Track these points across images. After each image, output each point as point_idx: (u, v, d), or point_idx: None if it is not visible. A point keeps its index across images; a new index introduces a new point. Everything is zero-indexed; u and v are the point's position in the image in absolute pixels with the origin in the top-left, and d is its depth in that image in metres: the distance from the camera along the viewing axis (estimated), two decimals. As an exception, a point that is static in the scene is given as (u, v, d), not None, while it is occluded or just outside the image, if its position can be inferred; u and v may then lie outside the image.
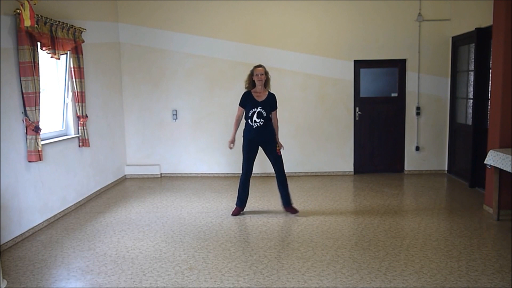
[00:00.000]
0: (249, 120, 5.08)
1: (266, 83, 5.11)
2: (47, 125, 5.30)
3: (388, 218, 5.00)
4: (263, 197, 6.01)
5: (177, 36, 7.23)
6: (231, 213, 5.24)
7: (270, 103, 5.09)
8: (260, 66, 5.12)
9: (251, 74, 5.10)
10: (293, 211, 5.25)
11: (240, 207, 5.27)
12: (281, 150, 5.17)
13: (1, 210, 4.18)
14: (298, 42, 7.19)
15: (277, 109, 5.18)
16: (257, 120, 5.01)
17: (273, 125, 5.16)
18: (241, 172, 5.22)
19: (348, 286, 3.37)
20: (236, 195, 5.31)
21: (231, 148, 5.24)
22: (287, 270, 3.67)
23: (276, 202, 5.75)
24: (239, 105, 5.17)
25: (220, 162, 7.45)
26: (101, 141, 6.55)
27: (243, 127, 5.20)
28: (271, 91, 5.19)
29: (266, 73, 5.08)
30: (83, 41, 5.68)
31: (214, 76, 7.26)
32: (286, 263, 3.81)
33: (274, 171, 5.24)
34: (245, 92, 5.16)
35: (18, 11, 4.32)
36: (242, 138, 5.18)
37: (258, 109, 5.01)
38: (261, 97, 5.07)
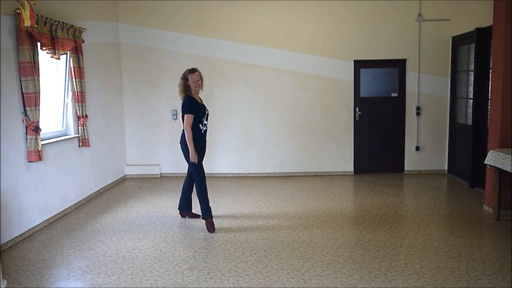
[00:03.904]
0: (200, 125, 4.65)
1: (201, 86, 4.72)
2: (47, 125, 5.30)
3: (388, 218, 5.00)
4: (263, 197, 6.01)
5: (177, 36, 7.23)
6: (211, 230, 4.66)
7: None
8: (195, 70, 4.63)
9: (185, 79, 4.61)
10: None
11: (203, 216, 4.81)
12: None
13: (1, 210, 4.18)
14: (298, 42, 7.19)
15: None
16: (206, 123, 4.75)
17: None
18: (196, 181, 4.76)
19: (348, 286, 3.37)
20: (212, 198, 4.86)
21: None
22: (287, 270, 3.67)
23: (276, 202, 5.75)
24: (190, 112, 4.54)
25: (219, 162, 7.45)
26: (101, 141, 6.55)
27: (181, 135, 4.74)
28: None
29: (201, 76, 4.67)
30: (83, 41, 5.69)
31: (214, 76, 7.26)
32: (286, 263, 3.81)
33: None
34: (189, 97, 4.61)
35: (18, 11, 4.32)
36: (194, 147, 4.58)
37: (207, 112, 4.77)
38: (199, 100, 4.77)
